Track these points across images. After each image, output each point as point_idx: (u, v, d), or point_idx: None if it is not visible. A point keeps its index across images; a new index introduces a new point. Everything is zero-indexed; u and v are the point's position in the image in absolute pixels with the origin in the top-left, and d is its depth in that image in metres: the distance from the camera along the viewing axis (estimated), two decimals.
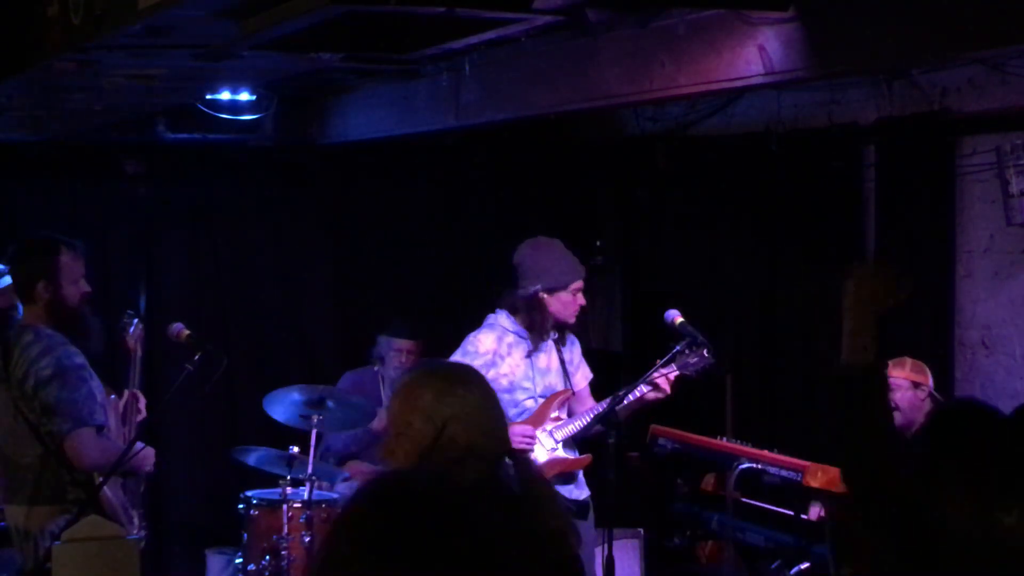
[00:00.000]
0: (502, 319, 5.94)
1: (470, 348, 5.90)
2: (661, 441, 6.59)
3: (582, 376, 6.08)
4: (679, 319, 5.75)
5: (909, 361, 6.11)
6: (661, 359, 5.68)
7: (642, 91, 5.77)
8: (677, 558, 6.87)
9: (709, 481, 6.35)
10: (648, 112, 8.13)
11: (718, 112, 7.74)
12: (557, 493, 3.07)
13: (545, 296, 5.84)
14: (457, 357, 5.91)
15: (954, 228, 6.64)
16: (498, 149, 8.36)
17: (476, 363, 5.80)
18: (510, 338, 5.90)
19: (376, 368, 7.57)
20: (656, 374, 5.67)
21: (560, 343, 6.00)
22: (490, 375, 5.75)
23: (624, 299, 8.57)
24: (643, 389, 5.70)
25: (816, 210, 7.17)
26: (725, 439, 6.28)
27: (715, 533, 6.39)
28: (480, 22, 4.99)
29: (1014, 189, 6.19)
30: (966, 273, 6.65)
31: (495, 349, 5.86)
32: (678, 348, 5.69)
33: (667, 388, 5.69)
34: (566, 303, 5.85)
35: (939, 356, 6.54)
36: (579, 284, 5.89)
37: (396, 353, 7.44)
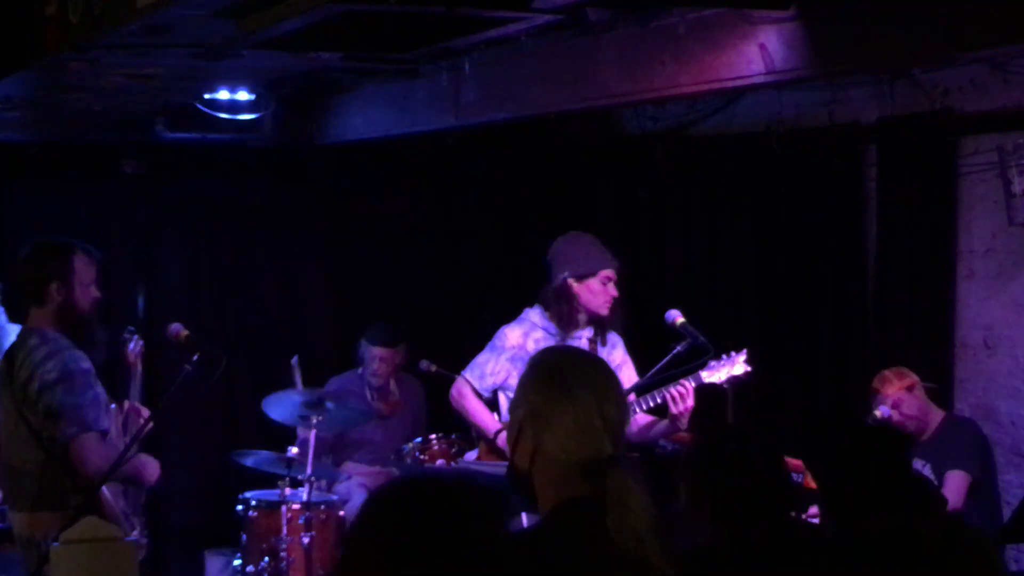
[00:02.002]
0: (533, 315, 5.91)
1: (497, 342, 5.90)
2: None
3: (624, 378, 5.91)
4: (680, 319, 5.73)
5: (888, 373, 6.06)
6: (665, 364, 5.66)
7: (643, 90, 5.76)
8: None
9: None
10: (649, 112, 8.12)
11: (719, 112, 7.72)
12: (649, 509, 2.84)
13: (573, 284, 5.79)
14: (486, 351, 5.91)
15: (956, 228, 6.63)
16: (498, 149, 8.35)
17: (503, 357, 5.84)
18: (538, 334, 5.85)
19: (360, 371, 7.55)
20: (674, 387, 5.62)
21: (597, 343, 5.93)
22: (517, 370, 5.75)
23: (624, 299, 8.53)
24: (657, 399, 5.68)
25: (817, 210, 7.16)
26: None
27: None
28: (480, 21, 4.99)
29: (1016, 189, 6.18)
30: (968, 273, 6.63)
31: (521, 344, 5.83)
32: (678, 349, 5.67)
33: (682, 402, 5.63)
34: (596, 292, 5.78)
35: (941, 357, 6.53)
36: (609, 273, 5.80)
37: (372, 359, 7.42)
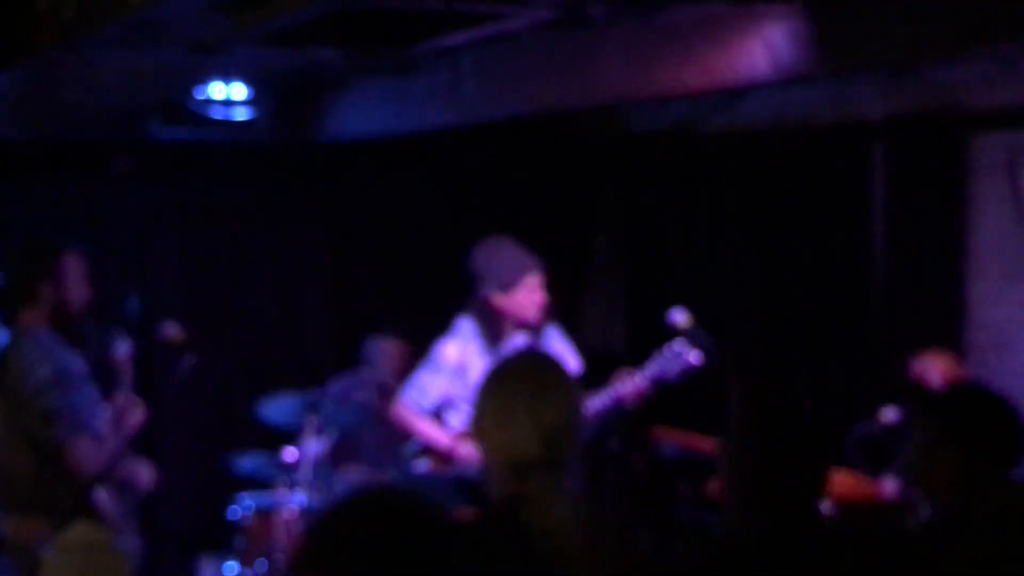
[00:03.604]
0: (466, 326, 5.84)
1: (436, 359, 5.85)
2: (664, 445, 6.56)
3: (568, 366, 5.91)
4: (684, 320, 5.67)
5: (941, 357, 5.89)
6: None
7: (646, 87, 5.76)
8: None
9: (713, 486, 6.29)
10: (651, 109, 8.07)
11: (723, 109, 7.68)
12: (572, 512, 2.85)
13: (499, 297, 5.71)
14: (424, 369, 5.87)
15: (964, 227, 6.67)
16: (498, 146, 8.33)
17: (443, 374, 5.80)
18: (474, 346, 5.79)
19: (363, 371, 7.53)
20: (622, 385, 5.58)
21: (534, 340, 5.86)
22: (460, 383, 5.73)
23: (625, 299, 8.55)
24: (609, 396, 5.63)
25: (823, 209, 7.20)
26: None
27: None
28: (478, 16, 4.97)
29: None
30: (977, 273, 6.64)
31: (460, 359, 5.78)
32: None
33: (633, 399, 5.60)
34: (523, 303, 5.69)
35: None
36: (534, 279, 5.70)
37: (386, 356, 7.40)
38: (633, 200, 8.36)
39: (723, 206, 7.78)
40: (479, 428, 2.95)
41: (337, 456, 7.44)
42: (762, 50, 5.15)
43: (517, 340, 5.82)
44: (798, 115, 7.24)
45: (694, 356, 5.62)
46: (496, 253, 5.81)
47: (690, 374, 5.68)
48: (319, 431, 6.68)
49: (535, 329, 5.81)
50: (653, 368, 5.62)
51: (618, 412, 5.69)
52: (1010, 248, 6.50)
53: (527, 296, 5.69)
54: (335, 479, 7.04)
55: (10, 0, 5.46)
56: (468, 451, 5.68)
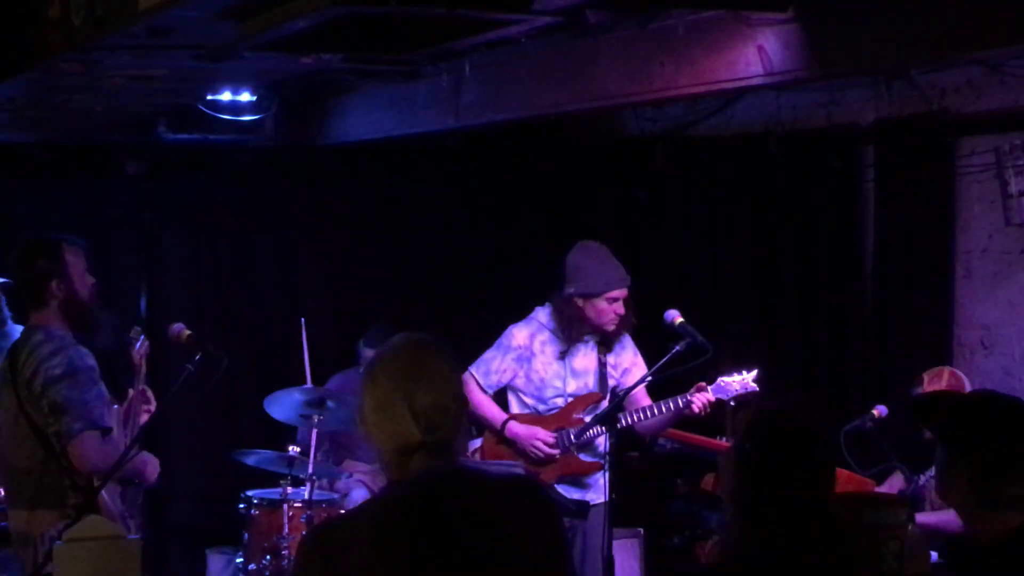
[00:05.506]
0: (542, 315, 5.98)
1: (504, 341, 5.97)
2: (661, 441, 6.63)
3: (635, 379, 5.94)
4: (679, 319, 5.74)
5: (946, 372, 5.93)
6: (664, 363, 5.69)
7: (642, 92, 5.79)
8: (676, 557, 6.88)
9: (708, 481, 6.36)
10: (648, 113, 8.14)
11: (717, 113, 7.74)
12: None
13: (579, 301, 5.84)
14: (493, 348, 6.00)
15: (953, 229, 6.65)
16: (498, 150, 8.37)
17: (509, 356, 5.94)
18: (544, 335, 5.92)
19: (361, 369, 7.59)
20: (695, 399, 5.68)
21: (605, 347, 5.97)
22: (523, 370, 5.90)
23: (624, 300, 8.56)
24: (673, 406, 5.72)
25: (815, 211, 7.18)
26: (724, 438, 6.28)
27: (714, 532, 6.40)
28: (480, 23, 5.00)
29: (1013, 189, 6.20)
30: (965, 273, 6.65)
31: (527, 345, 5.91)
32: (677, 348, 5.69)
33: (700, 412, 5.71)
34: (601, 311, 5.83)
35: (938, 357, 6.53)
36: (618, 293, 5.85)
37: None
38: (630, 202, 8.39)
39: (718, 208, 7.80)
40: (364, 421, 2.92)
41: (339, 452, 7.53)
42: (755, 55, 5.17)
43: (588, 344, 5.94)
44: (790, 119, 7.31)
45: (754, 385, 5.76)
46: (590, 258, 5.93)
47: (747, 399, 5.78)
48: (322, 427, 6.76)
49: (609, 337, 5.93)
50: (721, 387, 5.74)
51: (680, 418, 5.83)
52: (997, 249, 6.51)
53: (608, 307, 5.82)
54: (338, 474, 7.13)
55: (22, 6, 5.49)
56: (519, 431, 5.85)
